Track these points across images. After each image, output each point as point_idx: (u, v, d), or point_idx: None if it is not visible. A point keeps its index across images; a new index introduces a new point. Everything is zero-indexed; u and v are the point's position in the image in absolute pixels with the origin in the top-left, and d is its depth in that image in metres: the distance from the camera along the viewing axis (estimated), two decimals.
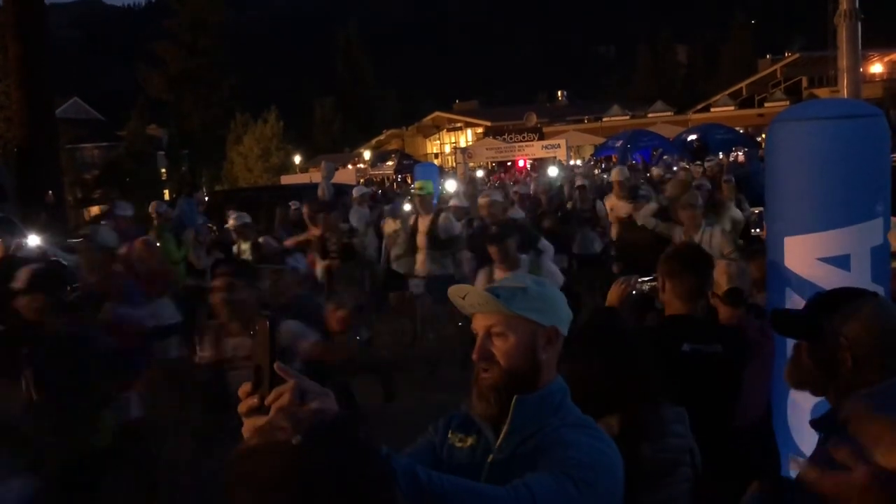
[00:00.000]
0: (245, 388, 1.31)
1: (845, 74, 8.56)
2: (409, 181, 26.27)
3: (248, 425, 1.28)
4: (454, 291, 1.81)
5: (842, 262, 3.19)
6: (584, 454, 1.62)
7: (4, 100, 26.47)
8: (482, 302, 1.77)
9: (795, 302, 3.15)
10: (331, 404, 1.28)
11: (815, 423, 1.95)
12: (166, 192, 44.55)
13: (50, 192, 19.36)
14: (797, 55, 55.29)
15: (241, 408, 1.30)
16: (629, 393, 2.28)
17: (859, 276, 3.15)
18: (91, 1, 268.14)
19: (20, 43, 19.46)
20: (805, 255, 3.26)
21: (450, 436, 1.86)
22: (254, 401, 1.28)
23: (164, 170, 51.17)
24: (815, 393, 2.04)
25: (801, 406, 3.32)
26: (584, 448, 1.64)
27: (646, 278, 3.53)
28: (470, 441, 1.81)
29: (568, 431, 1.70)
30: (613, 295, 3.45)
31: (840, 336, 1.88)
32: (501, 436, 1.75)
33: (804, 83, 52.82)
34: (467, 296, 1.79)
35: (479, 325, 1.80)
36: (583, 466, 1.59)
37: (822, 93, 44.06)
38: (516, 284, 1.82)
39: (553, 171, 17.30)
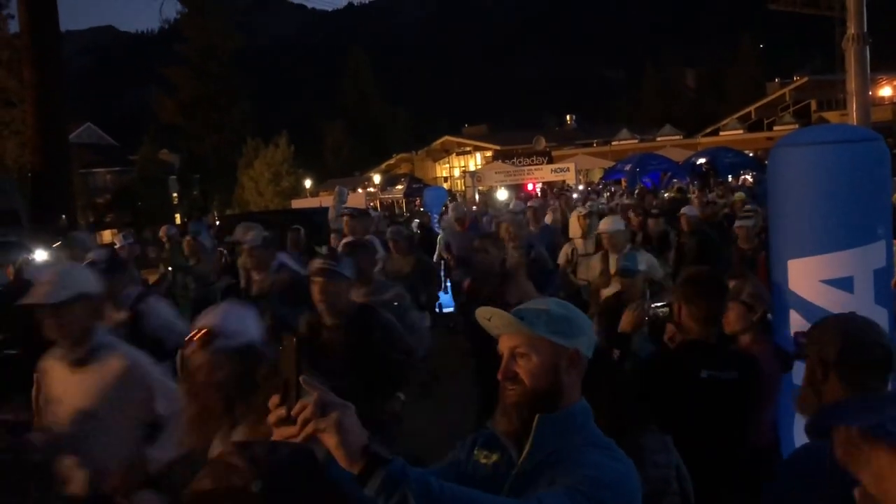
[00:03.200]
0: (274, 400, 1.40)
1: (854, 98, 8.57)
2: (419, 204, 26.38)
3: (278, 435, 1.39)
4: (481, 313, 1.87)
5: (845, 284, 3.21)
6: (602, 473, 1.65)
7: (19, 125, 26.80)
8: (506, 323, 1.83)
9: (799, 324, 3.17)
10: (350, 416, 1.38)
11: (808, 429, 2.01)
12: (178, 216, 44.86)
13: (63, 216, 19.53)
14: (806, 79, 55.39)
15: (271, 418, 1.40)
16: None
17: (862, 299, 3.17)
18: (105, 27, 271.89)
19: (35, 69, 19.71)
20: (808, 278, 3.28)
21: (475, 453, 1.91)
22: (282, 412, 1.39)
23: (175, 194, 51.54)
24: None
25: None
26: (603, 468, 1.68)
27: (659, 303, 3.52)
28: (494, 457, 1.86)
29: (588, 451, 1.73)
30: (627, 321, 3.44)
31: (808, 349, 2.05)
32: (524, 453, 1.79)
33: (813, 106, 52.85)
34: (492, 317, 1.84)
35: (505, 345, 1.86)
36: (599, 485, 1.62)
37: (832, 116, 44.08)
38: (540, 307, 1.87)
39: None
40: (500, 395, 1.85)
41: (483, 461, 1.87)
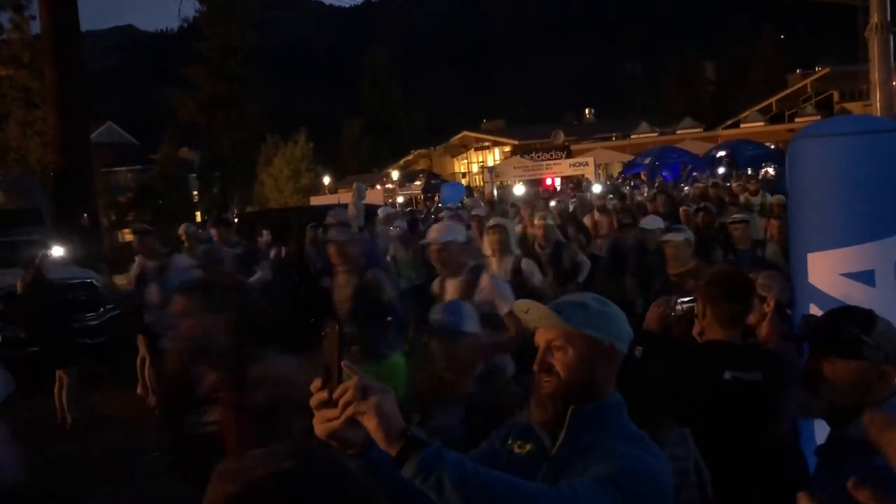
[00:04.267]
0: (316, 383, 1.48)
1: (878, 88, 8.46)
2: (437, 200, 26.40)
3: (319, 418, 1.47)
4: (519, 306, 1.91)
5: (866, 277, 3.16)
6: (635, 466, 1.67)
7: (42, 126, 27.10)
8: (543, 316, 1.86)
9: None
10: (390, 400, 1.44)
11: (820, 452, 1.97)
12: (198, 213, 45.17)
13: (85, 215, 19.73)
14: (828, 69, 54.67)
15: (313, 401, 1.47)
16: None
17: (884, 292, 3.13)
18: (125, 27, 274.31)
19: (57, 70, 19.91)
20: (828, 271, 3.24)
21: (509, 442, 1.95)
22: (324, 395, 1.46)
23: (196, 192, 51.88)
24: (831, 418, 2.05)
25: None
26: (636, 460, 1.69)
27: (685, 299, 3.46)
28: (528, 447, 1.89)
29: (620, 444, 1.75)
30: (653, 316, 3.38)
31: (881, 351, 1.99)
32: (558, 443, 1.82)
33: (835, 97, 52.18)
34: (529, 310, 1.88)
35: (541, 338, 1.89)
36: (630, 476, 1.63)
37: (855, 107, 43.51)
38: (577, 301, 1.90)
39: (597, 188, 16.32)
40: (535, 387, 1.88)
41: (517, 450, 1.91)
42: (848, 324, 2.07)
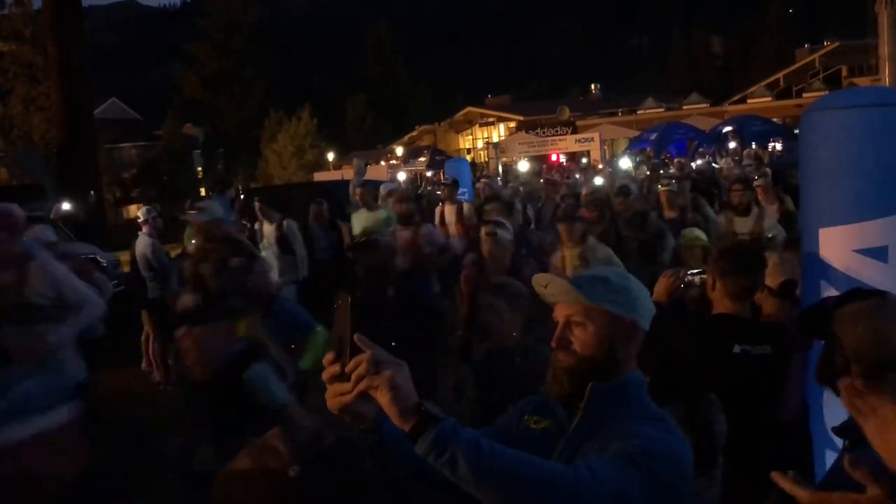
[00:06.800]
0: (329, 357, 1.45)
1: (887, 63, 8.39)
2: (442, 176, 26.29)
3: (331, 392, 1.44)
4: (537, 280, 1.86)
5: (879, 253, 3.10)
6: (654, 444, 1.64)
7: (45, 101, 27.02)
8: (563, 291, 1.81)
9: (830, 294, 3.09)
10: (404, 375, 1.41)
11: (837, 430, 1.93)
12: (202, 190, 45.16)
13: (92, 192, 19.69)
14: (836, 44, 54.11)
15: (325, 375, 1.45)
16: (674, 387, 2.29)
17: None
18: (127, 2, 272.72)
19: (59, 45, 19.78)
20: (841, 247, 3.18)
21: (525, 418, 1.92)
22: (336, 368, 1.43)
23: (200, 168, 51.86)
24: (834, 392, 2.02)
25: (836, 403, 3.26)
26: (654, 439, 1.66)
27: (695, 271, 3.43)
28: (544, 423, 1.87)
29: (639, 423, 1.72)
30: (661, 288, 3.35)
31: (834, 336, 1.91)
32: (575, 420, 1.79)
33: (844, 72, 51.69)
34: (549, 285, 1.83)
35: (560, 313, 1.85)
36: (649, 455, 1.61)
37: (863, 82, 43.10)
38: (598, 275, 1.85)
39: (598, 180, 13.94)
40: (553, 363, 1.84)
41: (533, 427, 1.88)
42: (825, 304, 2.04)
